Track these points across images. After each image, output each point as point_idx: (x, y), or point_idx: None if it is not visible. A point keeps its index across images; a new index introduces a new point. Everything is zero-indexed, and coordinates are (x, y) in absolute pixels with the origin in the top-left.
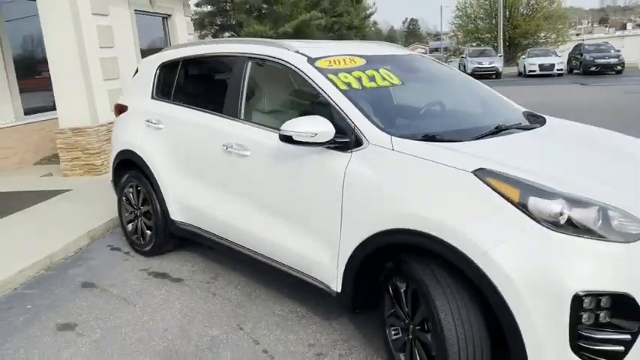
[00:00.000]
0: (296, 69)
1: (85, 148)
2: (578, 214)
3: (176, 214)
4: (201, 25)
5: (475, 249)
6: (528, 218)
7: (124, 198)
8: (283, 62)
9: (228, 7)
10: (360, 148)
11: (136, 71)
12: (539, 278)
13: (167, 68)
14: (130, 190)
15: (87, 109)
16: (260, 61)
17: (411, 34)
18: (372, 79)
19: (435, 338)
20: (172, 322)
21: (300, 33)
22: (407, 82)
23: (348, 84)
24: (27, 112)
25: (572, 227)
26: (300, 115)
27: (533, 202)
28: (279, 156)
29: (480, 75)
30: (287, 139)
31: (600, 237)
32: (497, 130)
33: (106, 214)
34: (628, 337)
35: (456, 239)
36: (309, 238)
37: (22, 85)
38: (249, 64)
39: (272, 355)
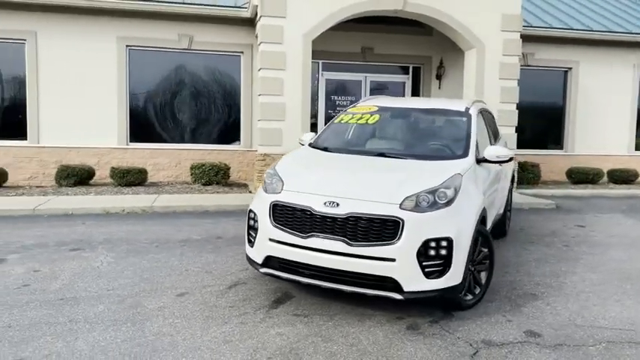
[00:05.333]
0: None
1: None
2: (274, 183)
3: None
4: None
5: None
6: (263, 181)
7: None
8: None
9: None
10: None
11: None
12: (256, 208)
13: None
14: None
15: None
16: None
17: None
18: (360, 119)
19: None
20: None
21: None
22: (380, 124)
23: (342, 119)
24: None
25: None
26: None
27: (266, 174)
28: None
29: None
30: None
31: (267, 192)
32: (380, 154)
33: None
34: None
35: None
36: None
37: None
38: None
39: None
